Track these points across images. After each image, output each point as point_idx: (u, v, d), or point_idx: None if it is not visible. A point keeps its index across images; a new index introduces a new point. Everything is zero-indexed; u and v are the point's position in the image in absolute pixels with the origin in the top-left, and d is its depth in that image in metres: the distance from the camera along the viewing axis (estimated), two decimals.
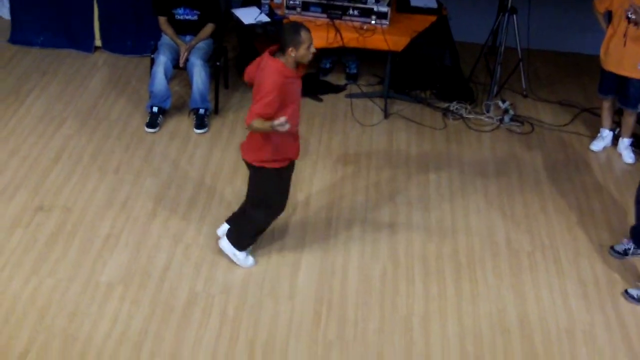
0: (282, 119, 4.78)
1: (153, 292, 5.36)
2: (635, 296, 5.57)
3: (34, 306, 5.18)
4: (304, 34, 4.89)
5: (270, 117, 4.88)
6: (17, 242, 5.70)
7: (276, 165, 5.19)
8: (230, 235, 5.60)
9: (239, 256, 5.60)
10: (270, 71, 4.91)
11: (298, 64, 5.01)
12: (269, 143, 5.10)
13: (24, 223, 5.88)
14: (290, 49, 4.88)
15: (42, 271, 5.46)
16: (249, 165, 5.26)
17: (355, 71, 8.08)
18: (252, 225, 5.51)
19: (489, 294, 5.55)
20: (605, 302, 5.55)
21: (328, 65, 8.12)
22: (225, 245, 5.61)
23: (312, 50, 4.96)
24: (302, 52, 4.91)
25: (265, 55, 5.00)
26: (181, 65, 7.02)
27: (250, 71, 5.19)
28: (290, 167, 5.35)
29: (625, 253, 5.91)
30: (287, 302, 5.37)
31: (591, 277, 5.75)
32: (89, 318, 5.13)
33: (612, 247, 5.99)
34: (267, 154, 5.14)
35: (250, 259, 5.64)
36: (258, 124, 4.86)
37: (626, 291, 5.62)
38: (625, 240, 5.94)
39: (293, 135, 5.21)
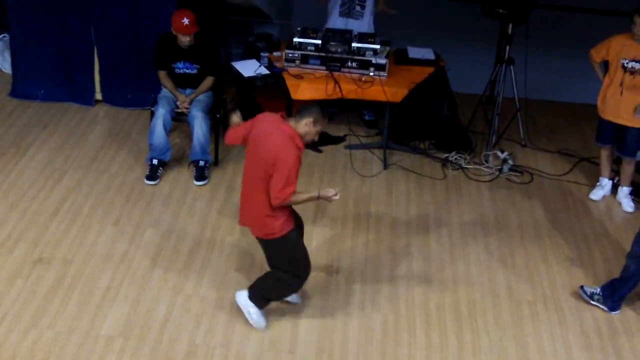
0: (331, 192, 5.03)
1: (153, 345, 5.33)
2: (589, 293, 5.85)
3: (33, 359, 5.14)
4: (323, 120, 5.04)
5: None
6: (17, 295, 5.67)
7: (285, 231, 5.23)
8: (252, 293, 5.48)
9: (254, 315, 5.47)
10: (286, 141, 4.95)
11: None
12: (276, 218, 5.17)
13: (24, 275, 5.87)
14: (308, 120, 4.97)
15: (41, 324, 5.43)
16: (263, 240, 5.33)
17: (372, 118, 8.15)
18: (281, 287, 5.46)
19: (491, 345, 5.51)
20: (608, 352, 5.50)
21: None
22: (242, 300, 5.50)
23: (316, 138, 5.09)
24: (313, 130, 5.01)
25: (273, 118, 5.07)
26: (181, 109, 7.08)
27: (239, 134, 5.26)
28: (295, 232, 5.37)
29: (591, 296, 5.89)
30: (287, 355, 5.33)
31: (593, 327, 5.72)
32: None
33: (582, 287, 5.97)
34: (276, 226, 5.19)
35: (263, 320, 5.51)
36: (299, 199, 5.07)
37: (582, 287, 5.85)
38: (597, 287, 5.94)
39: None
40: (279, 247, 5.26)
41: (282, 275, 5.33)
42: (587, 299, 5.88)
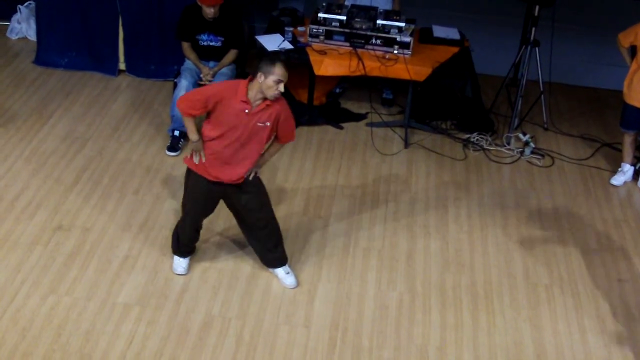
0: (195, 140, 5.14)
1: (169, 314, 5.37)
2: None
3: (51, 324, 5.20)
4: (278, 68, 4.88)
5: (190, 114, 5.09)
6: (36, 261, 5.72)
7: (192, 166, 5.32)
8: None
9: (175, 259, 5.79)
10: (228, 81, 5.08)
11: (263, 98, 5.00)
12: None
13: (44, 242, 5.92)
14: (259, 74, 4.91)
15: (59, 290, 5.48)
16: None
17: (391, 96, 8.13)
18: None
19: (506, 326, 5.51)
20: (623, 338, 5.50)
21: (338, 90, 8.16)
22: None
23: (280, 88, 4.92)
24: (269, 82, 4.89)
25: None
26: (204, 81, 7.09)
27: None
28: (202, 182, 5.32)
29: None
30: (302, 328, 5.35)
31: (609, 312, 5.71)
32: (105, 338, 5.14)
33: None
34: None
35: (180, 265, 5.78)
36: (183, 116, 5.14)
37: None
38: None
39: (220, 158, 5.21)
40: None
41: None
42: None
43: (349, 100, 8.18)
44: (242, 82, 5.01)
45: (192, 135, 5.19)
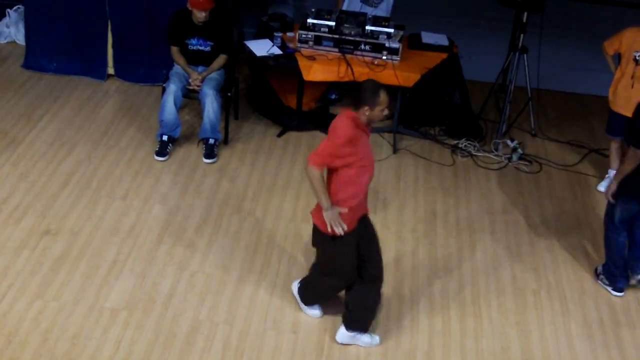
0: (342, 210, 4.75)
1: (157, 319, 5.36)
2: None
3: (38, 329, 5.18)
4: (383, 96, 4.77)
5: (330, 167, 4.81)
6: (23, 265, 5.71)
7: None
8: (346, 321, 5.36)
9: (364, 338, 5.35)
10: (343, 118, 4.78)
11: (367, 123, 4.88)
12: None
13: (31, 246, 5.90)
14: (365, 107, 4.76)
15: (46, 294, 5.47)
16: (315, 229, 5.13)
17: None
18: (326, 290, 5.41)
19: (493, 332, 5.53)
20: (610, 343, 5.52)
21: (334, 97, 8.17)
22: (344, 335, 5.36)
23: (386, 112, 4.85)
24: (376, 113, 4.79)
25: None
26: (192, 86, 7.09)
27: None
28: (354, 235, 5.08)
29: (597, 273, 6.11)
30: (290, 334, 5.35)
31: (596, 318, 5.73)
32: (92, 342, 5.12)
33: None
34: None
35: (376, 338, 5.38)
36: (316, 179, 4.77)
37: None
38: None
39: (354, 208, 4.97)
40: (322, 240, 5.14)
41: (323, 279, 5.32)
42: (595, 277, 6.11)
43: (333, 102, 8.18)
44: (352, 113, 4.79)
45: (327, 202, 4.83)
